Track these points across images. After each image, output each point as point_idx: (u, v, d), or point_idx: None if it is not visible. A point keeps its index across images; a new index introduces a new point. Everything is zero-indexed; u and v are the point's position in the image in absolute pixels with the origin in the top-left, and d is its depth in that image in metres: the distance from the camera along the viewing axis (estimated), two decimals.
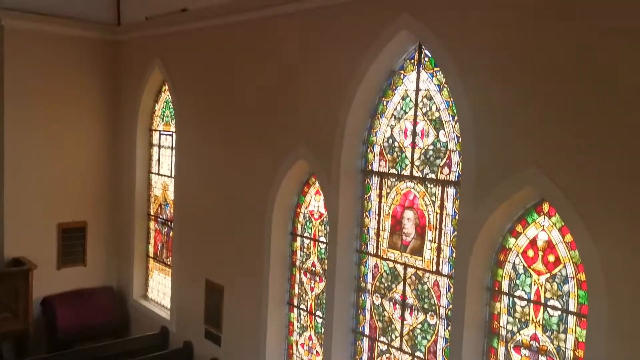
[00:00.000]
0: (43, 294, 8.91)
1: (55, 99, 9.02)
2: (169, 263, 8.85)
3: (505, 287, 4.76)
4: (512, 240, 4.72)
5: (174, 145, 8.60)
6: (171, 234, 8.73)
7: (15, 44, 8.59)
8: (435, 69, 5.26)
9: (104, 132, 9.60)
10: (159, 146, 9.20)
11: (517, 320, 4.69)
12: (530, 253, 4.60)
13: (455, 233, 5.04)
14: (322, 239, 6.39)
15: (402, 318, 5.59)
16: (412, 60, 5.48)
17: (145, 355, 7.73)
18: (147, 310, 9.11)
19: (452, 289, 5.07)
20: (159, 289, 9.24)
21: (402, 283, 5.60)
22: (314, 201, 6.53)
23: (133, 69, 9.21)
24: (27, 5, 8.56)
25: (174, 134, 8.54)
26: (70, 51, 9.10)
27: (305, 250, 6.65)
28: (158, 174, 9.24)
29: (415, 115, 5.45)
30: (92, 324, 8.97)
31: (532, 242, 4.59)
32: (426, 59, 5.34)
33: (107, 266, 9.76)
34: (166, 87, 8.78)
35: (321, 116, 5.98)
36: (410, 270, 5.52)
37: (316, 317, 6.50)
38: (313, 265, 6.54)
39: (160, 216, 9.19)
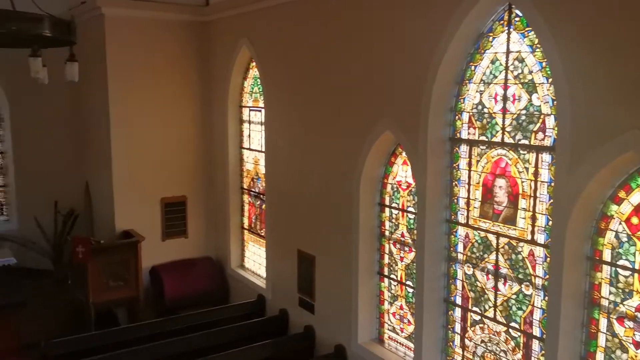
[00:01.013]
0: (151, 263, 9.57)
1: (153, 81, 9.51)
2: (262, 234, 9.19)
3: (606, 256, 4.52)
4: (614, 207, 4.45)
5: (263, 121, 8.83)
6: (263, 206, 9.03)
7: (115, 30, 9.11)
8: (526, 29, 4.99)
9: (198, 110, 10.03)
10: (249, 122, 9.49)
11: (620, 290, 4.45)
12: (635, 220, 4.32)
13: (551, 201, 4.83)
14: (411, 209, 6.36)
15: (496, 288, 5.48)
16: (502, 22, 5.23)
17: (244, 322, 8.14)
18: (244, 279, 9.54)
19: (548, 259, 4.89)
20: (254, 259, 9.63)
21: (494, 253, 5.47)
22: (402, 171, 6.49)
23: (222, 48, 9.50)
24: None
25: (263, 110, 8.76)
26: (164, 34, 9.51)
27: (393, 220, 6.65)
28: (249, 149, 9.54)
29: (506, 79, 5.22)
30: (194, 292, 9.54)
31: (637, 209, 4.31)
32: (517, 19, 5.08)
33: (206, 238, 10.30)
34: (254, 64, 8.99)
35: (406, 85, 5.89)
36: (503, 240, 5.38)
37: (407, 287, 6.52)
38: (402, 235, 6.53)
39: (253, 189, 9.52)
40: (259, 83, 8.94)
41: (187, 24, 9.68)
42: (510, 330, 5.39)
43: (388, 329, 6.86)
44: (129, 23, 9.19)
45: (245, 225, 9.82)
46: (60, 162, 11.44)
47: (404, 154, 6.30)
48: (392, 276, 6.73)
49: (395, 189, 6.61)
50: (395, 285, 6.71)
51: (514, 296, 5.32)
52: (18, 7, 4.93)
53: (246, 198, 9.76)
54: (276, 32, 8.06)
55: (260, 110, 9.03)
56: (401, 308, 6.65)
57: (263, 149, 8.87)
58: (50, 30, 4.79)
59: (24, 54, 5.18)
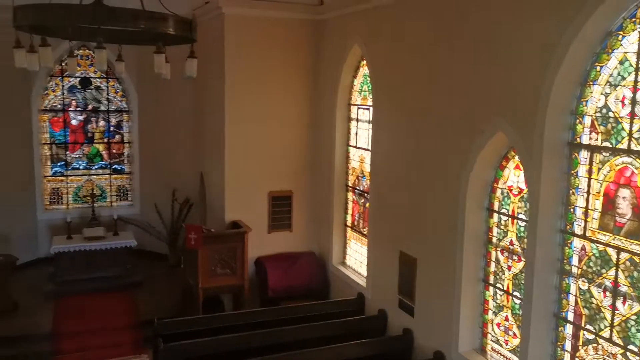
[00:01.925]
0: (256, 254, 9.90)
1: (267, 77, 9.80)
2: (365, 233, 9.18)
3: None
4: None
5: (370, 119, 8.81)
6: (367, 205, 9.02)
7: (233, 28, 9.51)
8: None
9: (307, 107, 10.20)
10: (357, 120, 9.51)
11: None
12: None
13: None
14: (522, 216, 6.04)
15: (613, 307, 5.05)
16: (633, 19, 4.80)
17: (343, 319, 8.18)
18: (345, 276, 9.59)
19: None
20: (355, 257, 9.65)
21: (614, 268, 5.04)
22: (513, 176, 6.18)
23: (334, 46, 9.59)
24: None
25: (371, 108, 8.73)
26: (279, 32, 9.76)
27: (502, 227, 6.36)
28: (356, 146, 9.56)
29: (636, 82, 4.78)
30: (296, 285, 9.73)
31: None
32: None
33: (309, 232, 10.48)
34: (364, 62, 8.99)
35: (521, 85, 5.59)
36: (624, 255, 4.95)
37: (514, 298, 6.21)
38: (511, 243, 6.22)
39: (357, 187, 9.54)
40: (368, 81, 8.93)
41: (301, 22, 9.88)
42: (627, 352, 4.95)
43: (491, 340, 6.57)
44: (246, 22, 9.54)
45: (349, 222, 9.86)
46: (179, 153, 12.21)
47: (517, 157, 6.00)
48: (498, 285, 6.44)
49: (505, 194, 6.31)
50: (501, 295, 6.42)
51: (633, 317, 4.88)
52: (147, 7, 5.29)
53: (350, 195, 9.80)
54: (387, 31, 8.00)
55: (368, 109, 9.02)
56: (506, 319, 6.35)
57: (369, 147, 8.86)
58: (173, 29, 5.10)
59: (151, 51, 5.54)
